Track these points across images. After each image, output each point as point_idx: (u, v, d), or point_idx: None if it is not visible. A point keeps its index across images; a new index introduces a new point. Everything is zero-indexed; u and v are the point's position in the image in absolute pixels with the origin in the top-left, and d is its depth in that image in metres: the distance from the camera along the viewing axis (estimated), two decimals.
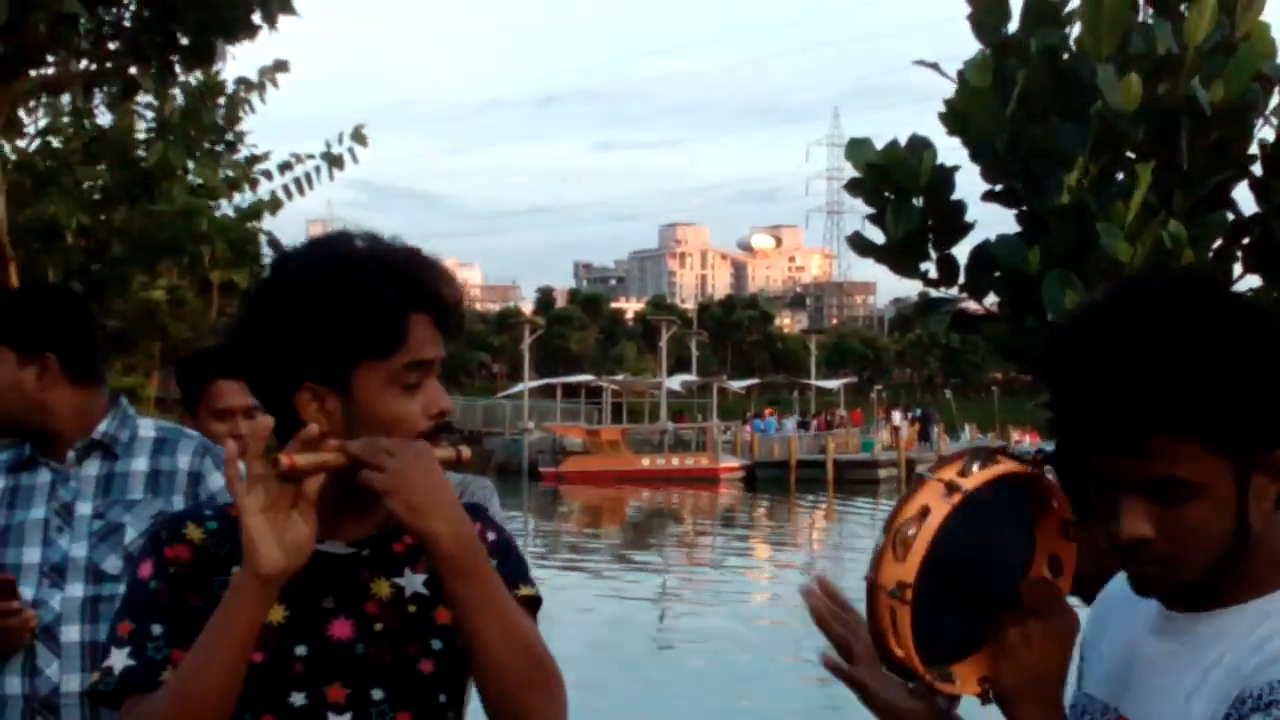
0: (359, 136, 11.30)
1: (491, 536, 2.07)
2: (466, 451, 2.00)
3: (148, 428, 3.17)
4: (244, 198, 12.17)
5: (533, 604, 2.05)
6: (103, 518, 3.03)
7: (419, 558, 2.02)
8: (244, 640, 1.85)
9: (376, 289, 1.93)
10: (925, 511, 1.61)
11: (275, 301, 1.97)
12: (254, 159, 11.96)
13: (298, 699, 1.94)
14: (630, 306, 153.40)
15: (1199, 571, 1.57)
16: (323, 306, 1.92)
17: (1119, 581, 1.76)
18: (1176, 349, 1.50)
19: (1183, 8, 3.27)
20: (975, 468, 1.65)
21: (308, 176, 11.53)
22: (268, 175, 11.98)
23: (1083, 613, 1.79)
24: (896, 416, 61.18)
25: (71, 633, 2.95)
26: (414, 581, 2.03)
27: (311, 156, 11.52)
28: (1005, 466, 1.66)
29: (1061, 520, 1.72)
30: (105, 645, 1.97)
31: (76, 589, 2.97)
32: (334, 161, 11.32)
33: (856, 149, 3.48)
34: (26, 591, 2.93)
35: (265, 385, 1.98)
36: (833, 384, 79.83)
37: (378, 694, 1.97)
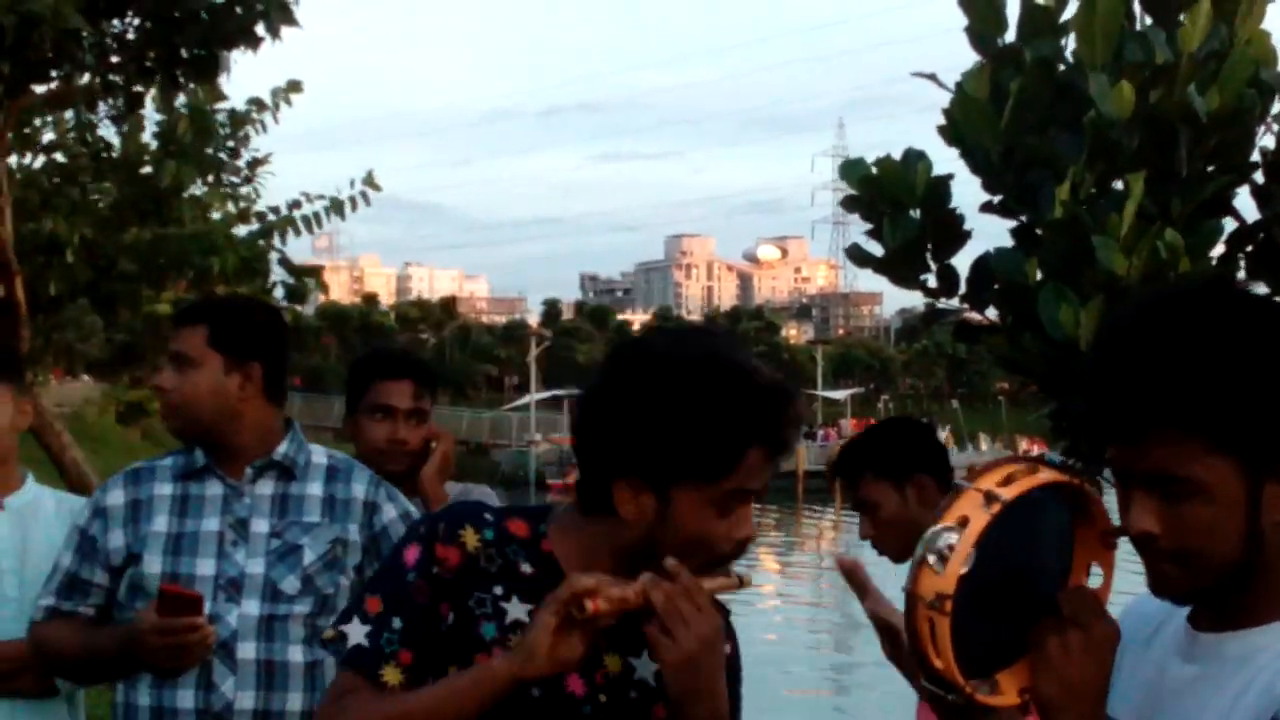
0: (370, 182, 11.35)
1: (727, 649, 2.08)
2: (748, 578, 2.04)
3: (319, 454, 3.20)
4: (251, 228, 12.23)
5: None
6: (280, 537, 3.05)
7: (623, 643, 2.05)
8: (475, 715, 1.90)
9: (726, 416, 1.91)
10: (964, 521, 1.59)
11: (631, 386, 1.96)
12: (256, 162, 11.99)
13: None
14: (637, 318, 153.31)
15: (1211, 575, 1.55)
16: (670, 414, 1.91)
17: (1141, 603, 1.76)
18: (1188, 346, 1.50)
19: (1182, 17, 3.28)
20: (1016, 477, 1.63)
21: (316, 217, 11.56)
22: (275, 210, 12.05)
23: None
24: None
25: (248, 650, 2.97)
26: (646, 667, 2.04)
27: (321, 197, 11.60)
28: (1046, 476, 1.64)
29: (1102, 530, 1.70)
30: (348, 609, 2.01)
31: (253, 606, 2.99)
32: (338, 208, 11.38)
33: (851, 169, 3.49)
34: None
35: (594, 463, 2.00)
36: (839, 394, 79.79)
37: None
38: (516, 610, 1.98)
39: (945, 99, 3.41)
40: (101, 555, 3.05)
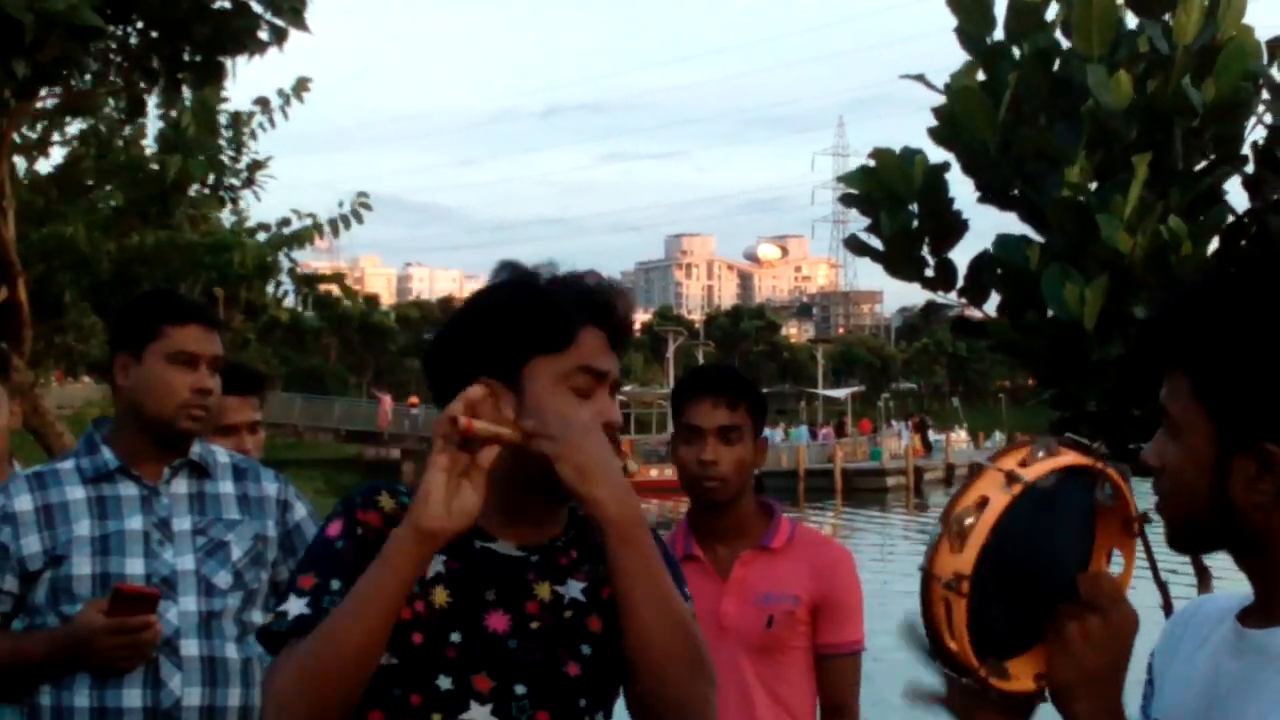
0: (362, 203, 11.46)
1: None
2: (633, 466, 2.05)
3: (223, 454, 3.24)
4: (255, 240, 12.35)
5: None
6: (205, 534, 3.08)
7: (581, 568, 2.11)
8: (395, 592, 1.91)
9: (550, 292, 2.07)
10: (984, 502, 1.56)
11: (461, 311, 2.12)
12: (256, 165, 12.05)
13: (444, 683, 2.00)
14: (637, 317, 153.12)
15: (1182, 527, 1.59)
16: (499, 306, 2.07)
17: (1195, 603, 1.75)
18: (1228, 298, 1.53)
19: (1166, 17, 3.32)
20: (1039, 456, 1.60)
21: (319, 227, 11.66)
22: (266, 227, 12.18)
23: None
24: (895, 425, 60.88)
25: (191, 646, 2.99)
26: (573, 588, 2.10)
27: (312, 215, 11.74)
28: (1069, 458, 1.62)
29: (1125, 516, 1.67)
30: (284, 591, 2.04)
31: (190, 603, 3.02)
32: (334, 225, 11.49)
33: (852, 177, 3.55)
34: None
35: (443, 381, 2.09)
36: (840, 393, 79.62)
37: (520, 689, 2.03)
38: (435, 563, 2.03)
39: (941, 98, 3.45)
40: (13, 562, 2.99)
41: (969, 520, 1.55)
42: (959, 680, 1.63)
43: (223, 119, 11.56)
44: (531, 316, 2.04)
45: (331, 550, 2.03)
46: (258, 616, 3.10)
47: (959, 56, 3.59)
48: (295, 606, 1.99)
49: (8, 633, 3.02)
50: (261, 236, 12.22)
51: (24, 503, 3.03)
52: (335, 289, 13.12)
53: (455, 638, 2.02)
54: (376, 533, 2.03)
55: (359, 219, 11.45)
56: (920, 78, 3.46)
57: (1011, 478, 1.57)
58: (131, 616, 2.85)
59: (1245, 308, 1.51)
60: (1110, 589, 1.64)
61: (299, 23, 6.30)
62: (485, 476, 1.94)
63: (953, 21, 3.54)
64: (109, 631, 2.85)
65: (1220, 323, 1.52)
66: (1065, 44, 3.39)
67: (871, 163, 3.46)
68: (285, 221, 11.89)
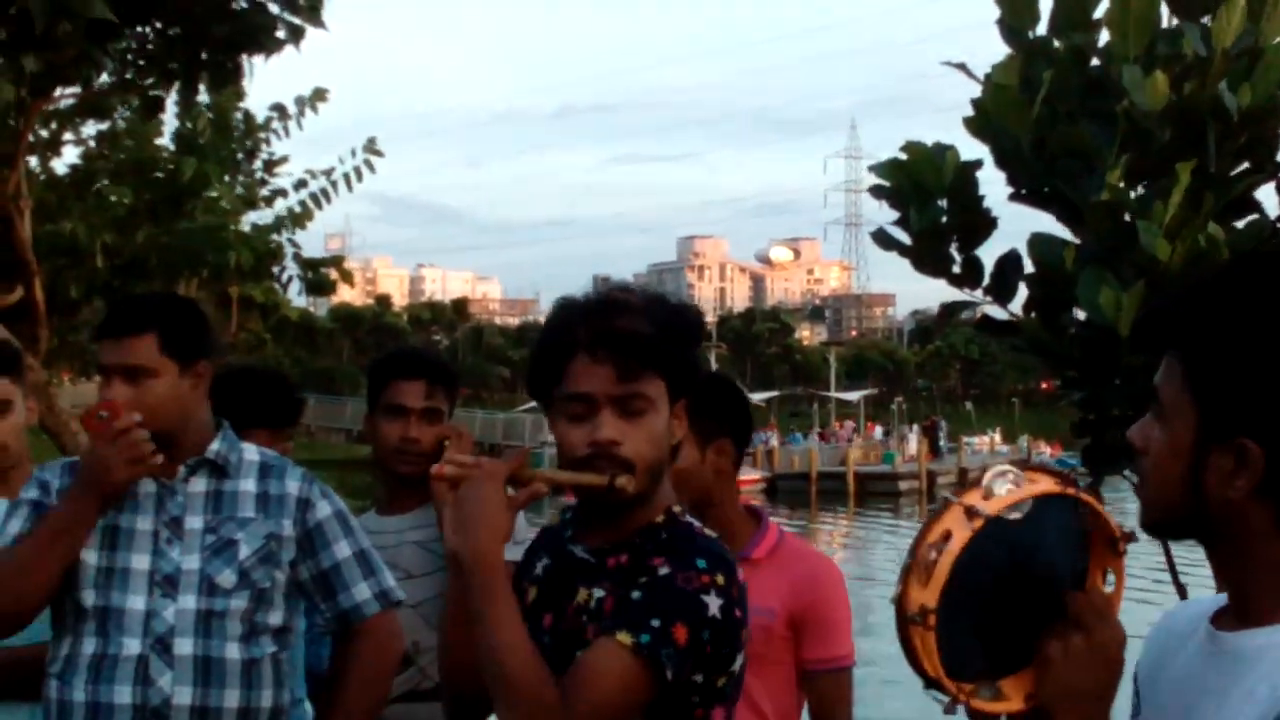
0: (372, 149, 11.43)
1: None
2: (622, 479, 2.25)
3: (251, 452, 3.22)
4: (261, 214, 12.34)
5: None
6: (215, 533, 3.07)
7: (601, 578, 2.30)
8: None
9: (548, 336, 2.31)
10: (947, 536, 1.61)
11: None
12: (271, 163, 12.06)
13: None
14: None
15: (1149, 507, 1.60)
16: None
17: (1178, 610, 1.75)
18: (1231, 292, 1.54)
19: (1205, 19, 3.29)
20: (1001, 490, 1.63)
21: (324, 192, 11.63)
22: (283, 194, 12.13)
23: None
24: (894, 430, 60.82)
25: (185, 645, 2.99)
26: (595, 595, 2.29)
27: (327, 172, 11.66)
28: (1032, 489, 1.64)
29: (1108, 536, 1.69)
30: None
31: (189, 601, 3.01)
32: (346, 178, 11.45)
33: (882, 168, 3.52)
34: (138, 600, 2.99)
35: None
36: (852, 396, 79.66)
37: None
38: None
39: (962, 97, 3.45)
40: None
41: (933, 555, 1.60)
42: (951, 703, 1.65)
43: (238, 116, 11.57)
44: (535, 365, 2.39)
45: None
46: (275, 618, 3.08)
47: (976, 56, 3.56)
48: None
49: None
50: (280, 204, 12.19)
51: (60, 482, 3.10)
52: (334, 273, 13.07)
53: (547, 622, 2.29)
54: None
55: (371, 168, 11.45)
56: (962, 66, 3.44)
57: (972, 513, 1.61)
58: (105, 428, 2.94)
59: (1246, 302, 1.52)
60: (1097, 606, 1.66)
61: (316, 20, 6.29)
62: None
63: (969, 20, 3.53)
64: (101, 441, 2.94)
65: (1219, 313, 1.53)
66: (1103, 44, 3.36)
67: (902, 156, 3.44)
68: (302, 183, 11.86)
